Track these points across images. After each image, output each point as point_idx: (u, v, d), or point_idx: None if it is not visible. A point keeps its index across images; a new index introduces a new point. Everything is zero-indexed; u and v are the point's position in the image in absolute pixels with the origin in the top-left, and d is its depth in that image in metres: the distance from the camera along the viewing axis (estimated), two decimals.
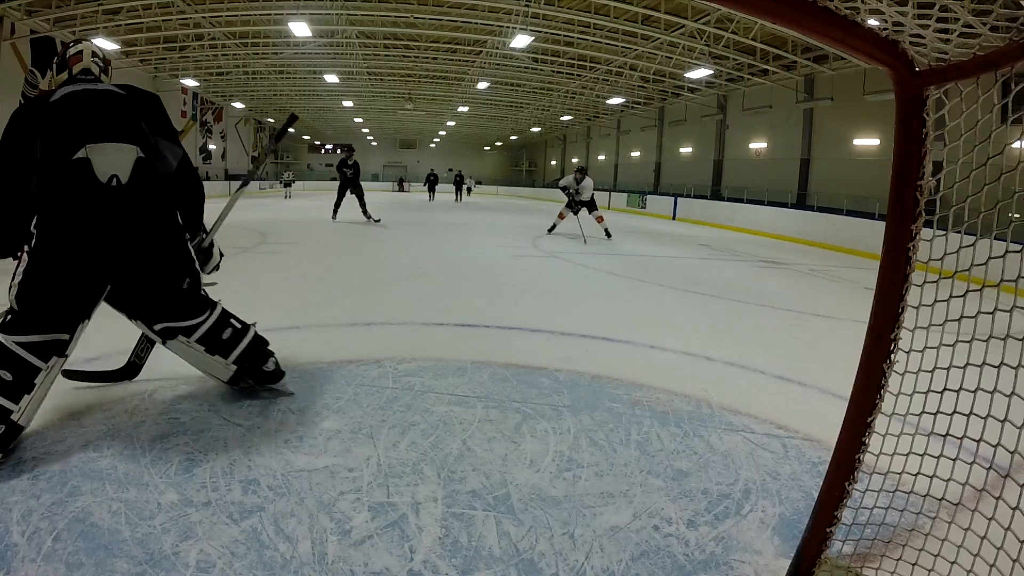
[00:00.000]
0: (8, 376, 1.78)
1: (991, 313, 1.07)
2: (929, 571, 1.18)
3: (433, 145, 37.21)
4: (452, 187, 25.20)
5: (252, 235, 8.24)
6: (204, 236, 2.30)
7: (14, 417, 1.78)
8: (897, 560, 1.26)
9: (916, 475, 1.23)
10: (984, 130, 1.12)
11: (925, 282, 1.21)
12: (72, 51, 2.15)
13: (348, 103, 24.30)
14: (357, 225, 10.50)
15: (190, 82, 18.67)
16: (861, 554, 1.41)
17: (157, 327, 2.11)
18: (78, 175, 1.88)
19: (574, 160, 30.69)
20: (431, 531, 1.50)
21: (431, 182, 23.81)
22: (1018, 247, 1.03)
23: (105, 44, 13.06)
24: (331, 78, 18.51)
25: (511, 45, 13.72)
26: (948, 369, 1.13)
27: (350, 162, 11.02)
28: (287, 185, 22.54)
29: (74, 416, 2.07)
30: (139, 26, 13.56)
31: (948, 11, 1.06)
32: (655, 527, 1.58)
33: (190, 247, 2.16)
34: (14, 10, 11.62)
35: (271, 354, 2.35)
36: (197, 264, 2.19)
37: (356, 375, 2.61)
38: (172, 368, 2.60)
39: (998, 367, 1.04)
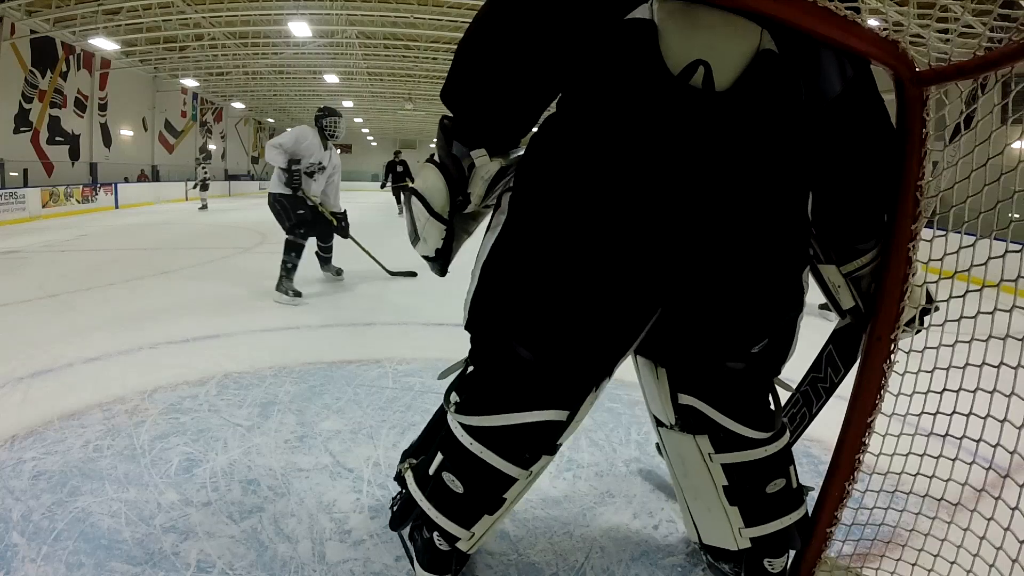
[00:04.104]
0: (459, 488, 1.13)
1: (991, 313, 1.07)
2: (929, 571, 1.18)
3: (433, 145, 37.15)
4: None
5: (252, 235, 8.24)
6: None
7: (462, 546, 1.17)
8: (897, 560, 1.26)
9: (916, 475, 1.23)
10: (984, 130, 1.12)
11: (925, 282, 1.21)
12: None
13: (348, 103, 24.25)
14: (355, 225, 10.47)
15: (190, 82, 18.65)
16: (861, 554, 1.41)
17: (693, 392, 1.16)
18: (633, 49, 0.93)
19: None
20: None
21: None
22: (1018, 247, 1.03)
23: (105, 44, 13.06)
24: (331, 78, 18.50)
25: None
26: (948, 369, 1.13)
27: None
28: (203, 188, 14.60)
29: (74, 416, 2.07)
30: (139, 26, 13.54)
31: (948, 11, 1.06)
32: (655, 527, 1.58)
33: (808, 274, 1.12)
34: (14, 10, 11.62)
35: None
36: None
37: (356, 375, 2.61)
38: (172, 368, 2.60)
39: (998, 367, 1.04)
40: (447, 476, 1.14)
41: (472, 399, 1.12)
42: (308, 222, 4.24)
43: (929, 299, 1.22)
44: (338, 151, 4.55)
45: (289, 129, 4.27)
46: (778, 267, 1.03)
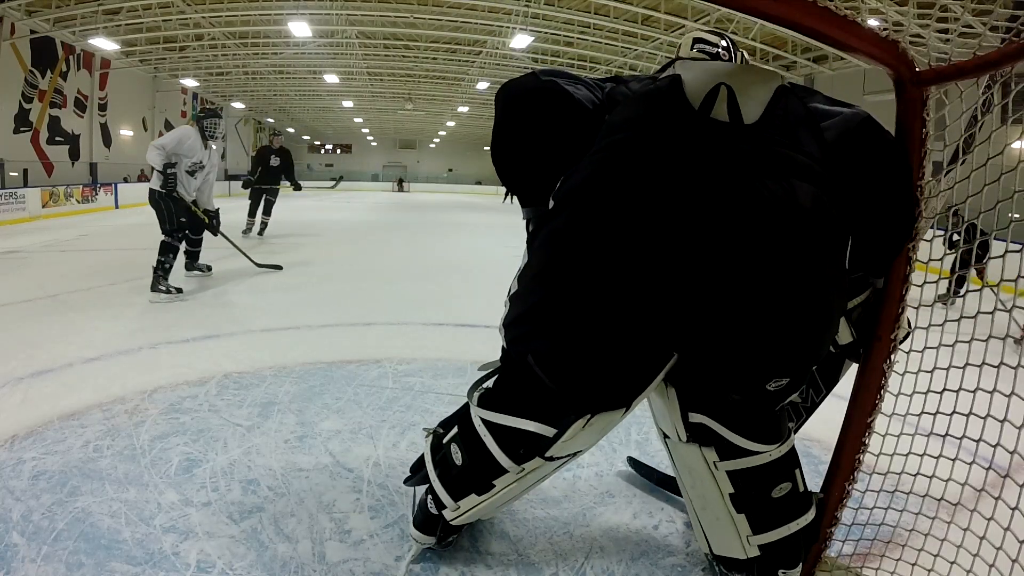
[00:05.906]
0: (459, 460, 1.27)
1: (991, 313, 1.07)
2: (929, 571, 1.18)
3: (433, 145, 37.21)
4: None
5: (250, 237, 8.23)
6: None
7: (447, 515, 1.30)
8: (897, 560, 1.26)
9: (916, 475, 1.23)
10: (984, 130, 1.12)
11: (925, 282, 1.21)
12: None
13: (348, 103, 24.24)
14: (355, 226, 10.48)
15: (190, 82, 18.64)
16: (861, 554, 1.41)
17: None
18: (657, 97, 1.05)
19: None
20: None
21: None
22: (1018, 247, 1.03)
23: (105, 44, 13.05)
24: (331, 78, 18.49)
25: (511, 45, 13.70)
26: (948, 369, 1.13)
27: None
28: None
29: (74, 416, 2.07)
30: (139, 26, 13.53)
31: (948, 11, 1.06)
32: (655, 527, 1.58)
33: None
34: (14, 10, 11.61)
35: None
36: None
37: (356, 375, 2.61)
38: (172, 368, 2.60)
39: (998, 367, 1.04)
40: (454, 448, 1.30)
41: (489, 395, 1.27)
42: (186, 227, 4.49)
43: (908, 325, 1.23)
44: (216, 150, 4.75)
45: (172, 130, 4.46)
46: (810, 308, 1.00)
